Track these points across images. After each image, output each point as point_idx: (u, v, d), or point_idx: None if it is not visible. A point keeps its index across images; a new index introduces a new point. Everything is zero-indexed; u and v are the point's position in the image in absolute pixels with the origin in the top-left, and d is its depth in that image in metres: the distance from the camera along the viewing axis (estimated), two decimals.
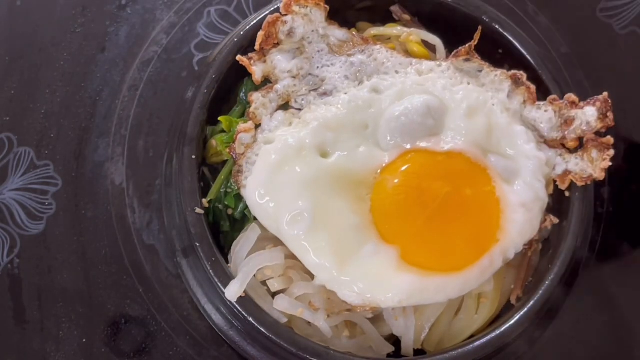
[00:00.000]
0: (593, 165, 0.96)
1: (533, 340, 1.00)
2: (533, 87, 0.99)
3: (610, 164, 0.95)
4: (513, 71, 0.99)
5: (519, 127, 0.98)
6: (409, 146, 0.94)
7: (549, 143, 0.98)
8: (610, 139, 0.96)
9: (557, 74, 1.02)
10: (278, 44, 0.99)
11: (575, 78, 1.15)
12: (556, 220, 0.99)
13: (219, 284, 0.93)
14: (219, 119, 1.00)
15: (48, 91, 1.13)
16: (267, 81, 1.00)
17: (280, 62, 0.99)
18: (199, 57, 1.15)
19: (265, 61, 0.99)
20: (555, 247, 0.97)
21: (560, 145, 0.99)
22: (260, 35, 0.97)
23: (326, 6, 1.01)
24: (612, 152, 0.95)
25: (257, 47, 0.98)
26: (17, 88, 1.13)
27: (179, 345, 1.04)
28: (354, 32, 1.02)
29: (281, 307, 0.93)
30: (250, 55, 0.99)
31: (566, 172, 0.97)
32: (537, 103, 0.99)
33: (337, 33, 1.01)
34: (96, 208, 1.09)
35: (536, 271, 0.99)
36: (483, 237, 0.94)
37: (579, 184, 0.96)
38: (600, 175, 0.95)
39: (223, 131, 1.00)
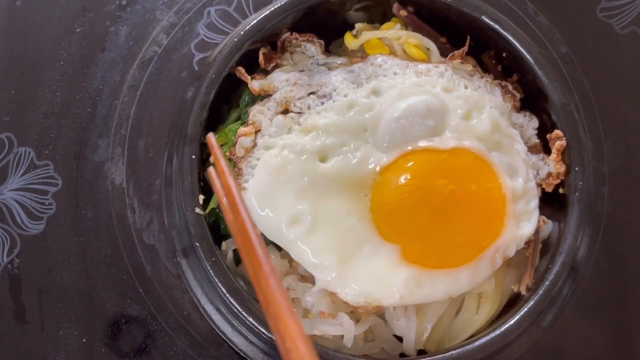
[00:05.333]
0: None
1: (533, 340, 1.00)
2: (518, 96, 1.02)
3: (558, 156, 0.97)
4: (497, 80, 1.02)
5: (514, 130, 1.00)
6: (409, 147, 0.94)
7: (531, 149, 1.01)
8: (558, 133, 0.97)
9: (557, 74, 1.02)
10: (277, 65, 1.02)
11: (575, 78, 1.15)
12: (549, 221, 0.99)
13: (219, 284, 0.93)
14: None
15: (48, 91, 1.13)
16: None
17: (279, 75, 1.00)
18: (199, 57, 1.15)
19: (265, 78, 1.00)
20: (555, 247, 0.97)
21: (541, 149, 1.01)
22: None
23: (321, 41, 1.02)
24: (562, 142, 0.97)
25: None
26: (17, 88, 1.13)
27: (179, 345, 1.05)
28: (352, 56, 1.03)
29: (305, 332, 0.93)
30: (253, 75, 1.01)
31: (548, 175, 0.99)
32: (522, 112, 1.02)
33: (337, 59, 1.03)
34: (96, 208, 1.09)
35: (536, 271, 0.99)
36: (485, 234, 0.94)
37: (553, 183, 0.98)
38: (557, 169, 0.97)
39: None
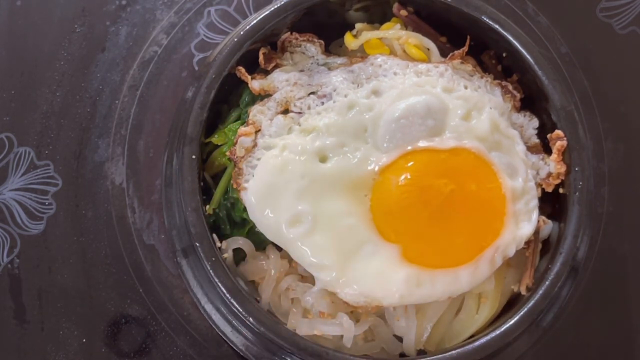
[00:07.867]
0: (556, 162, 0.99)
1: (533, 340, 1.00)
2: (518, 96, 1.02)
3: (559, 156, 0.97)
4: (497, 80, 1.02)
5: (513, 130, 1.00)
6: (409, 147, 0.94)
7: (531, 149, 1.01)
8: (559, 133, 0.97)
9: (557, 74, 1.02)
10: (277, 65, 1.01)
11: (575, 78, 1.15)
12: (549, 221, 0.99)
13: (219, 284, 0.93)
14: (213, 141, 1.00)
15: (48, 91, 1.13)
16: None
17: (279, 75, 1.00)
18: (199, 57, 1.15)
19: (265, 78, 1.00)
20: (555, 247, 0.97)
21: (542, 149, 1.01)
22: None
23: (321, 41, 1.02)
24: (563, 142, 0.96)
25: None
26: (17, 88, 1.13)
27: (179, 345, 1.05)
28: (352, 56, 1.03)
29: (304, 332, 0.93)
30: (253, 75, 1.01)
31: (548, 175, 0.98)
32: (522, 112, 1.02)
33: (337, 59, 1.03)
34: (96, 208, 1.09)
35: (536, 271, 0.99)
36: (484, 234, 0.94)
37: (553, 183, 0.98)
38: (557, 169, 0.97)
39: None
